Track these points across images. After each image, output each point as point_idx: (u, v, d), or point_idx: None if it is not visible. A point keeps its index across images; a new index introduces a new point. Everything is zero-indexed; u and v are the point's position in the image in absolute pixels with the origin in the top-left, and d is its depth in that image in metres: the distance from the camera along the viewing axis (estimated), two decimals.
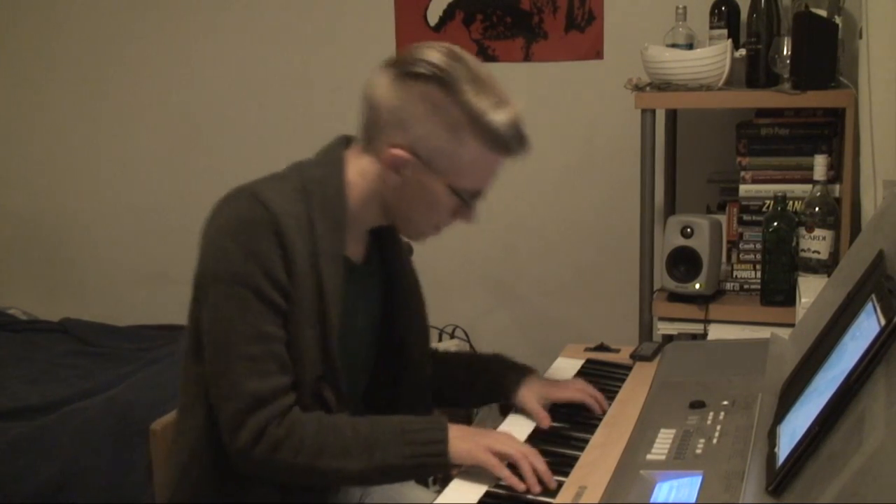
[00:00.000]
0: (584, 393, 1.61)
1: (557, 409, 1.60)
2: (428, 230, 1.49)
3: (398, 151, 1.39)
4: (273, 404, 1.34)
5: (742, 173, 2.42)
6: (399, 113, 1.39)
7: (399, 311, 1.61)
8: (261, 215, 1.35)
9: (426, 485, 1.73)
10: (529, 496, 1.31)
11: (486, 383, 1.66)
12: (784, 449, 1.10)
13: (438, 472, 1.45)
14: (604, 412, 1.58)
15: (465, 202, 1.43)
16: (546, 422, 1.55)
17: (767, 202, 2.36)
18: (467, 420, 2.87)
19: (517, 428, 1.55)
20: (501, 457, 1.35)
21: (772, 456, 1.13)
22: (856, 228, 2.24)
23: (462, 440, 1.37)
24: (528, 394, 1.60)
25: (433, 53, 1.37)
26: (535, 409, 1.57)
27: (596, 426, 1.51)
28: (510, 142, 1.39)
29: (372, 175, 1.44)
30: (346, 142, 1.49)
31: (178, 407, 1.49)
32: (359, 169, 1.45)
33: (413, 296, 1.64)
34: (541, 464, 1.35)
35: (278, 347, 1.36)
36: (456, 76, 1.36)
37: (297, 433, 1.34)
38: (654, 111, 2.39)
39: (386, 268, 1.60)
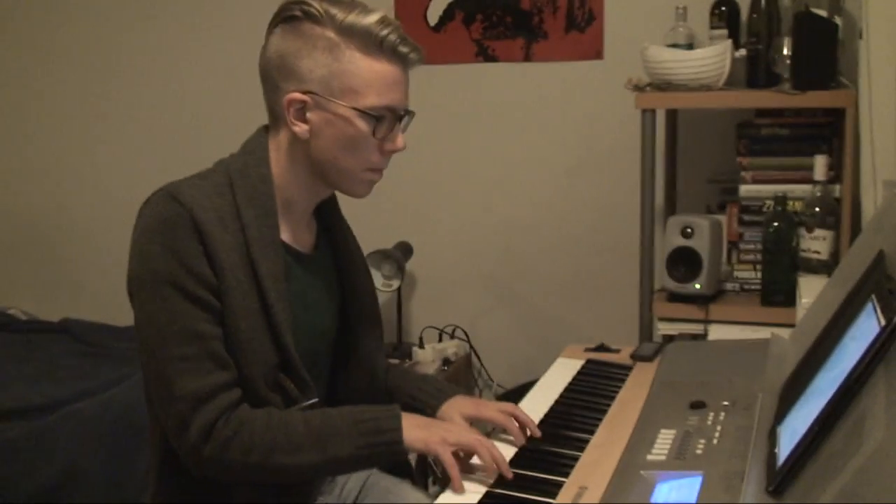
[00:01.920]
0: (507, 417, 1.50)
1: (557, 410, 1.61)
2: (363, 173, 1.43)
3: (293, 95, 1.38)
4: (214, 401, 1.32)
5: (742, 173, 2.42)
6: (283, 61, 1.39)
7: (350, 300, 1.58)
8: (176, 211, 1.33)
9: (425, 486, 1.72)
10: (529, 496, 1.31)
11: (409, 399, 1.60)
12: (784, 449, 1.10)
13: (393, 459, 1.43)
14: (529, 437, 1.49)
15: (378, 122, 1.39)
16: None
17: (768, 202, 2.36)
18: None
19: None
20: (458, 447, 1.35)
21: (772, 456, 1.13)
22: (856, 228, 2.23)
23: (417, 428, 1.37)
24: (451, 410, 1.54)
25: None
26: (458, 423, 1.51)
27: (596, 427, 1.51)
28: (391, 43, 1.37)
29: (286, 142, 1.42)
30: (266, 130, 1.48)
31: (148, 414, 1.46)
32: (276, 146, 1.44)
33: (363, 284, 1.60)
34: (498, 453, 1.35)
35: (213, 344, 1.33)
36: (325, 6, 1.37)
37: (245, 431, 1.32)
38: (654, 111, 2.39)
39: (337, 257, 1.57)
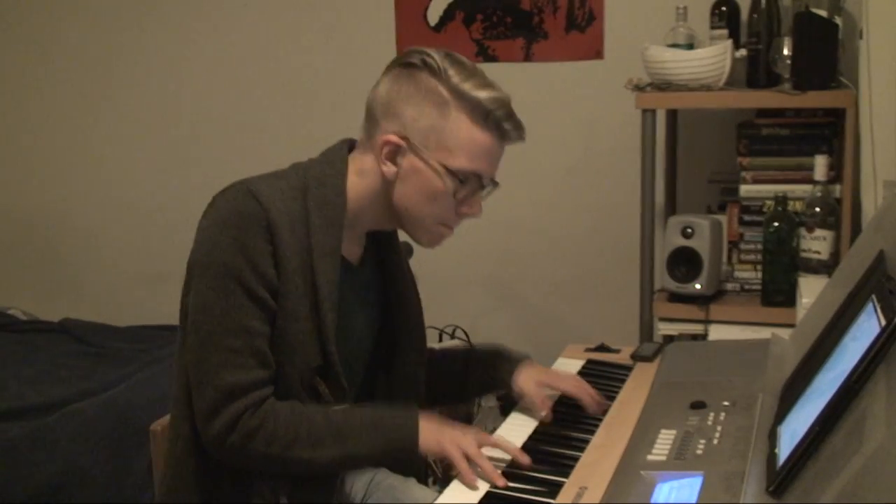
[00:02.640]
0: (582, 389, 1.61)
1: (558, 410, 1.60)
2: (435, 227, 1.49)
3: (391, 137, 1.41)
4: (248, 396, 1.36)
5: (742, 173, 2.42)
6: (391, 101, 1.43)
7: (396, 313, 1.62)
8: (253, 209, 1.37)
9: (426, 483, 1.73)
10: (529, 496, 1.31)
11: (483, 374, 1.68)
12: (784, 449, 1.10)
13: (408, 461, 1.48)
14: (602, 412, 1.57)
15: (461, 184, 1.43)
16: (546, 408, 1.56)
17: (768, 202, 2.36)
18: (467, 420, 2.87)
19: (517, 428, 1.55)
20: (464, 453, 1.38)
21: (772, 456, 1.13)
22: (856, 229, 2.24)
23: (432, 432, 1.41)
24: (526, 380, 1.62)
25: (427, 48, 1.43)
26: (534, 394, 1.59)
27: (596, 427, 1.51)
28: (497, 118, 1.41)
29: (371, 172, 1.46)
30: (349, 145, 1.52)
31: (172, 399, 1.49)
32: (358, 168, 1.47)
33: (410, 299, 1.65)
34: (489, 468, 1.36)
35: (259, 342, 1.37)
36: (444, 64, 1.41)
37: (270, 423, 1.36)
38: (654, 111, 2.39)
39: (383, 271, 1.61)
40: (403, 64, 1.43)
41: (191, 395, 1.42)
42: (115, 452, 2.45)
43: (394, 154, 1.43)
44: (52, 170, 3.55)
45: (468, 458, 1.37)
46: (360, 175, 1.47)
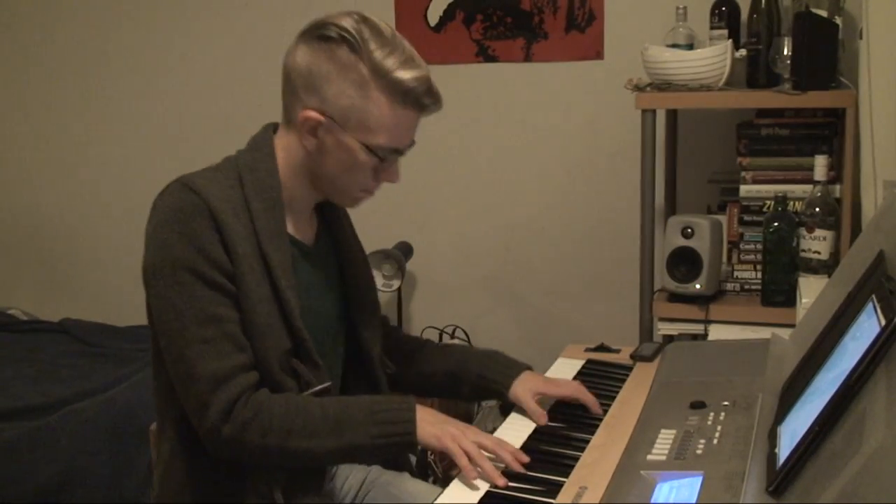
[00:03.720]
0: (579, 392, 1.61)
1: (557, 410, 1.61)
2: (356, 193, 1.50)
3: (311, 113, 1.41)
4: (233, 382, 1.36)
5: (742, 173, 2.42)
6: (309, 76, 1.41)
7: (352, 291, 1.62)
8: (193, 200, 1.38)
9: (425, 478, 1.73)
10: (529, 496, 1.31)
11: (478, 378, 1.67)
12: (784, 449, 1.10)
13: (405, 451, 1.48)
14: (602, 412, 1.57)
15: (381, 160, 1.44)
16: (542, 419, 1.55)
17: (768, 202, 2.36)
18: (467, 419, 2.87)
19: (517, 428, 1.55)
20: (463, 449, 1.38)
21: (772, 456, 1.13)
22: (856, 229, 2.23)
23: (430, 424, 1.41)
24: (522, 390, 1.61)
25: (342, 18, 1.41)
26: (529, 405, 1.58)
27: (596, 427, 1.51)
28: (417, 96, 1.41)
29: (295, 147, 1.46)
30: (273, 128, 1.52)
31: (156, 406, 1.50)
32: (283, 145, 1.48)
33: (364, 277, 1.64)
34: (489, 466, 1.36)
35: (231, 327, 1.37)
36: (363, 37, 1.39)
37: (264, 414, 1.36)
38: (654, 111, 2.39)
39: (337, 249, 1.61)
40: (320, 36, 1.41)
41: (170, 399, 1.42)
42: (115, 452, 2.45)
43: (314, 129, 1.42)
44: (52, 170, 3.55)
45: (469, 457, 1.37)
46: (287, 151, 1.47)
